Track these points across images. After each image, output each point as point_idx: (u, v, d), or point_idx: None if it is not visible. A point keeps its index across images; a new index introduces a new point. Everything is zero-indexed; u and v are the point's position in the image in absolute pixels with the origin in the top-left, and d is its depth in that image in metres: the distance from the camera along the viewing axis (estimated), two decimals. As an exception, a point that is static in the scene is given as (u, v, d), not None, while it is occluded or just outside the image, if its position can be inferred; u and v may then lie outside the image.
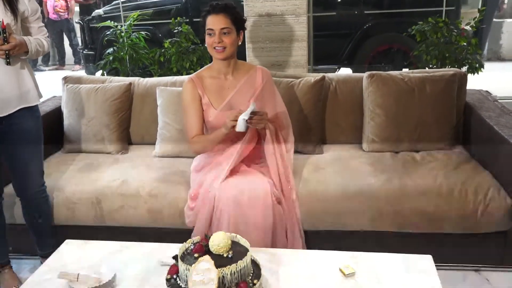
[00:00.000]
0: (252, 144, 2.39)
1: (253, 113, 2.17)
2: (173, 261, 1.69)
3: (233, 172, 2.31)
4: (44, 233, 2.57)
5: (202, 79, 2.42)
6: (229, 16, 2.28)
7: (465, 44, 3.87)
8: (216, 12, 2.28)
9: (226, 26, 2.27)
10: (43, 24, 2.42)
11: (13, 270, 2.57)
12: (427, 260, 1.79)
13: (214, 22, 2.28)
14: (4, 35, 2.12)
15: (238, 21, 2.32)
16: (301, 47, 3.33)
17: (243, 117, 2.14)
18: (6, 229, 2.50)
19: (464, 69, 3.69)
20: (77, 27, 7.50)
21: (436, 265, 1.76)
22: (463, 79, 2.86)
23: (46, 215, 2.54)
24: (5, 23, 2.13)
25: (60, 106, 3.14)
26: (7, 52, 2.14)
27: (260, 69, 2.47)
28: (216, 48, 2.30)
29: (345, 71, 5.63)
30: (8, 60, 2.17)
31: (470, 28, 4.06)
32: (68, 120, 3.06)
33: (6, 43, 2.13)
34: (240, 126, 2.15)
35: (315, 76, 2.90)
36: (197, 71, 2.49)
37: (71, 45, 8.75)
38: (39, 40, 2.33)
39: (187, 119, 2.43)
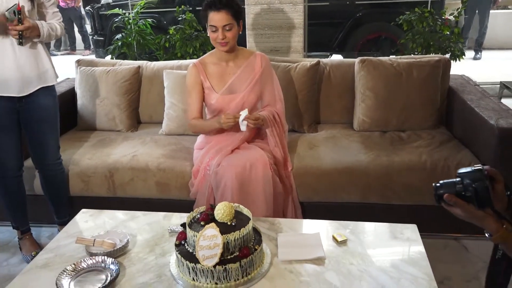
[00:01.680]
0: (253, 130, 2.39)
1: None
2: (181, 229, 1.70)
3: (234, 149, 2.32)
4: (61, 203, 2.58)
5: (205, 65, 2.40)
6: (230, 11, 2.22)
7: (448, 33, 3.85)
8: (218, 9, 2.21)
9: (228, 23, 2.23)
10: (58, 10, 2.38)
11: (33, 237, 2.58)
12: (412, 229, 1.80)
13: (216, 20, 2.22)
14: (19, 16, 2.11)
15: (238, 14, 2.28)
16: (298, 34, 3.31)
17: (242, 120, 2.20)
18: (26, 199, 2.50)
19: (447, 56, 3.68)
20: (87, 15, 7.39)
21: (420, 234, 1.78)
22: (447, 65, 2.85)
23: (62, 187, 2.55)
24: (21, 7, 2.11)
25: (73, 87, 3.12)
26: (20, 32, 2.13)
27: (259, 55, 2.44)
28: (221, 42, 2.27)
29: (336, 58, 5.60)
30: (20, 40, 2.15)
31: (454, 18, 4.04)
32: (81, 100, 3.04)
33: (20, 24, 2.11)
34: (242, 128, 2.23)
35: (310, 61, 2.88)
36: (200, 57, 2.47)
37: (80, 31, 8.65)
38: (53, 24, 2.31)
39: (188, 101, 2.43)
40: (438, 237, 2.46)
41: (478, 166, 1.07)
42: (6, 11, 2.09)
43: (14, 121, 2.29)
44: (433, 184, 1.09)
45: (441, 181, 1.09)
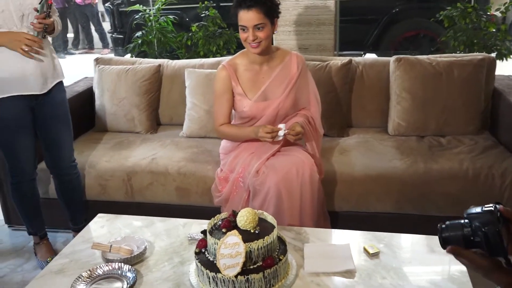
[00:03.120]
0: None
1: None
2: (201, 236, 1.71)
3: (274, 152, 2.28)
4: (76, 208, 2.64)
5: (235, 67, 2.31)
6: (262, 9, 2.13)
7: (494, 30, 3.77)
8: (248, 8, 2.13)
9: (259, 22, 2.14)
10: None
11: (50, 242, 2.65)
12: (451, 242, 1.76)
13: (247, 19, 2.14)
14: (49, 10, 2.19)
15: (272, 12, 2.18)
16: (328, 31, 3.30)
17: (281, 134, 2.15)
18: (40, 203, 2.57)
19: (493, 55, 3.61)
20: (106, 12, 7.55)
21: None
22: (492, 64, 2.80)
23: (77, 191, 2.61)
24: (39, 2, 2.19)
25: (91, 87, 3.20)
26: (46, 26, 2.21)
27: (295, 55, 2.35)
28: (251, 44, 2.19)
29: (370, 57, 5.55)
30: (44, 34, 2.23)
31: (500, 14, 3.95)
32: (99, 100, 3.11)
33: (48, 18, 2.20)
34: (277, 139, 2.18)
35: (342, 60, 2.87)
36: (230, 58, 2.38)
37: (97, 30, 8.83)
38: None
39: (216, 107, 2.36)
40: (481, 252, 2.40)
41: (490, 207, 1.01)
42: (39, 3, 2.18)
43: (30, 121, 2.37)
44: (438, 225, 1.05)
45: (447, 222, 1.04)
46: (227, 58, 2.44)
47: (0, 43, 2.17)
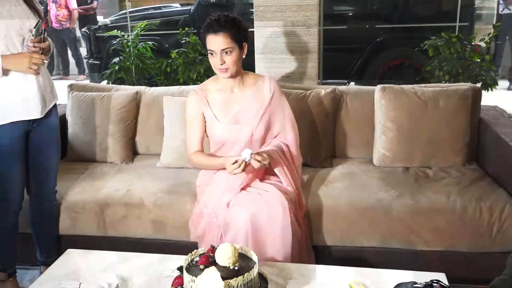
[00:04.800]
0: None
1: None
2: (177, 273, 1.68)
3: (245, 186, 2.26)
4: (51, 239, 2.59)
5: (207, 92, 2.38)
6: (229, 33, 2.19)
7: (479, 60, 3.88)
8: (215, 32, 2.19)
9: (226, 47, 2.20)
10: None
11: (17, 281, 2.55)
12: (440, 278, 1.76)
13: (214, 43, 2.20)
14: (44, 34, 2.23)
15: (239, 36, 2.23)
16: (312, 59, 3.35)
17: (245, 158, 2.09)
18: (17, 238, 2.51)
19: (478, 85, 3.70)
20: (83, 37, 7.58)
21: (449, 285, 1.74)
22: (477, 94, 2.86)
23: (54, 221, 2.58)
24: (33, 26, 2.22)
25: (64, 114, 3.16)
26: (42, 50, 2.23)
27: (267, 79, 2.41)
28: (220, 69, 2.25)
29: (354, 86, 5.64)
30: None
31: (485, 44, 4.08)
32: (72, 128, 3.07)
33: (42, 41, 2.23)
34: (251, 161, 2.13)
35: (325, 88, 2.91)
36: (202, 83, 2.46)
37: (74, 55, 8.83)
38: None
39: (188, 133, 2.41)
40: (470, 289, 2.41)
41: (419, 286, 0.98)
42: (34, 27, 2.20)
43: (25, 146, 2.36)
44: None
45: None
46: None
47: (6, 67, 2.18)
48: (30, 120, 2.31)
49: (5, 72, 2.18)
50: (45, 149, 2.43)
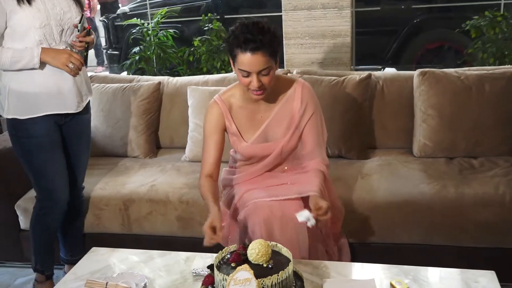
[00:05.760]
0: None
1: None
2: (207, 271, 1.69)
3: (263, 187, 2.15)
4: (78, 237, 2.66)
5: (230, 103, 2.15)
6: (267, 51, 1.94)
7: (527, 40, 3.78)
8: (252, 51, 1.93)
9: (265, 67, 1.95)
10: None
11: (53, 283, 2.56)
12: (489, 276, 1.73)
13: (250, 64, 1.94)
14: (89, 28, 2.31)
15: (276, 51, 2.00)
16: (344, 44, 3.32)
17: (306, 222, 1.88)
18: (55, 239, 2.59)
19: (527, 68, 3.61)
20: (101, 26, 7.66)
21: (499, 283, 1.71)
22: (527, 77, 2.79)
23: (83, 217, 2.65)
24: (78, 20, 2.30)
25: (85, 107, 3.21)
26: (87, 44, 2.31)
27: (300, 87, 2.15)
28: (255, 91, 2.02)
29: (390, 71, 5.57)
30: (86, 53, 2.34)
31: (533, 23, 3.96)
32: (93, 122, 3.08)
33: (88, 35, 2.31)
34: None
35: (360, 74, 2.88)
36: (223, 92, 2.20)
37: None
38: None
39: (204, 148, 2.17)
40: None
41: None
42: (79, 23, 2.28)
43: (61, 140, 2.41)
44: None
45: None
46: (223, 89, 2.29)
47: (44, 59, 2.23)
48: (63, 114, 2.36)
49: (42, 64, 2.23)
50: (76, 145, 2.48)
